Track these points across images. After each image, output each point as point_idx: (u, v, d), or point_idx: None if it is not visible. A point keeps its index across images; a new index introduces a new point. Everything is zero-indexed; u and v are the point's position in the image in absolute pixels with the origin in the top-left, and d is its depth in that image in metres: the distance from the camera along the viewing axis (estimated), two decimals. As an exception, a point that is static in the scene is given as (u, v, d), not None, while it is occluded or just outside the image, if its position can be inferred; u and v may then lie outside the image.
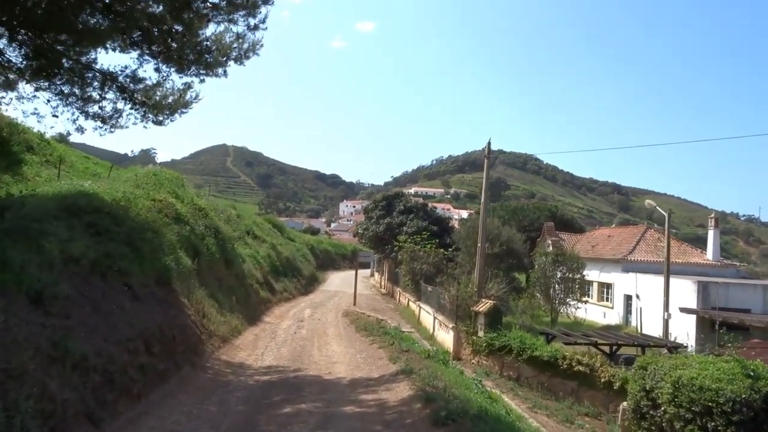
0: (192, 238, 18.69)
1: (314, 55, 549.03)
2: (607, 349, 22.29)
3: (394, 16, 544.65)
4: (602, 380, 18.60)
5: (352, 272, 43.19)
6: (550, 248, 44.19)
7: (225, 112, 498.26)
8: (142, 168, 22.51)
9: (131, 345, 8.29)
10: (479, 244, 24.61)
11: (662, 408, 10.52)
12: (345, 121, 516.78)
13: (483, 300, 23.69)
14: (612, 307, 41.03)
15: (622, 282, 39.73)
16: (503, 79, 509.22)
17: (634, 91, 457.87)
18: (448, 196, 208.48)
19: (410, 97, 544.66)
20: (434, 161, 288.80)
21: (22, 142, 20.16)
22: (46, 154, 22.60)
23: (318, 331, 20.74)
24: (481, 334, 22.97)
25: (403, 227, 45.11)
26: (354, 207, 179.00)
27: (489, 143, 24.28)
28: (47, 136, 23.47)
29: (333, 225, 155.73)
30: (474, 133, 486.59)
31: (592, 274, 41.40)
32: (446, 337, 25.62)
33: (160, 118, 16.29)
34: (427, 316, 30.63)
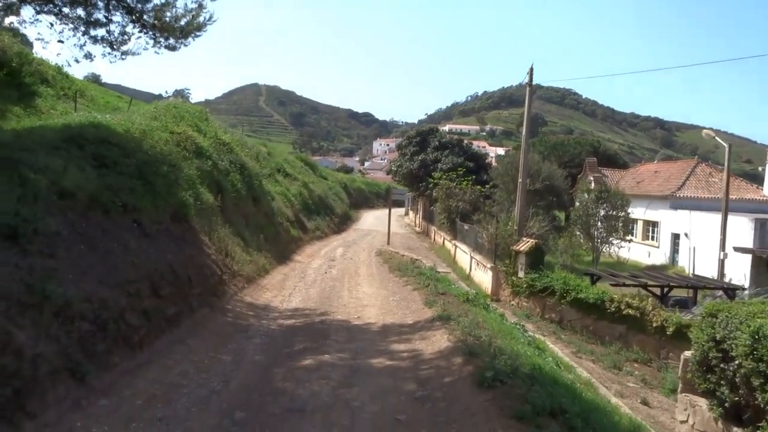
0: (214, 174, 17.64)
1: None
2: (657, 291, 20.86)
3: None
4: (654, 325, 17.28)
5: (386, 211, 42.15)
6: (592, 185, 42.18)
7: (256, 51, 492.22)
8: (162, 101, 21.31)
9: (133, 287, 7.30)
10: (520, 180, 22.99)
11: (736, 361, 9.13)
12: (378, 58, 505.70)
13: (524, 239, 22.31)
14: (658, 247, 39.10)
15: (670, 220, 37.59)
16: (540, 9, 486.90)
17: (674, 12, 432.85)
18: (484, 134, 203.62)
19: (444, 32, 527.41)
20: (469, 97, 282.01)
21: (36, 73, 19.08)
22: (64, 88, 21.58)
23: (349, 270, 19.81)
24: (521, 274, 21.72)
25: (438, 164, 43.44)
26: (388, 145, 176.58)
27: (531, 70, 22.23)
28: (65, 68, 22.31)
29: (367, 164, 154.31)
30: (510, 68, 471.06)
31: (636, 212, 39.28)
32: (484, 278, 24.49)
33: (172, 42, 14.92)
34: (463, 255, 29.48)
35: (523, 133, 22.64)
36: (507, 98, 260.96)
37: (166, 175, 12.37)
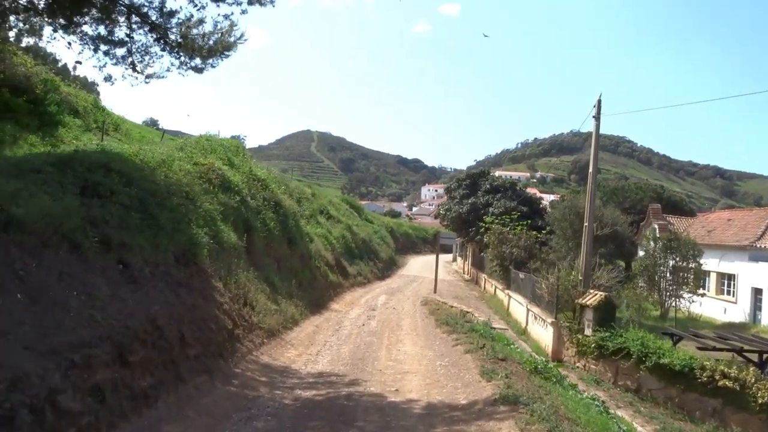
0: (242, 211, 15.85)
1: (397, 40, 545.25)
2: (755, 357, 17.64)
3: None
4: (759, 401, 14.19)
5: (433, 256, 39.76)
6: (657, 233, 38.79)
7: (309, 99, 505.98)
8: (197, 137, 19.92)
9: (81, 354, 5.24)
10: (586, 223, 20.36)
11: None
12: (427, 105, 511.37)
13: (591, 291, 19.51)
14: (735, 302, 35.00)
15: (749, 272, 33.62)
16: (590, 58, 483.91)
17: (734, 63, 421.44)
18: (534, 180, 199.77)
19: (495, 80, 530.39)
20: (519, 144, 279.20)
21: (64, 102, 18.00)
22: (97, 121, 20.52)
23: (391, 323, 17.46)
24: (588, 332, 18.84)
25: (489, 208, 40.95)
26: (436, 191, 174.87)
27: (599, 102, 19.89)
28: (100, 101, 21.37)
29: (414, 209, 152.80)
30: (561, 115, 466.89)
31: (709, 264, 35.48)
32: (543, 334, 21.64)
33: (198, 62, 13.46)
34: (518, 307, 26.68)
35: (590, 169, 20.13)
36: (558, 145, 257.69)
37: (175, 209, 10.54)
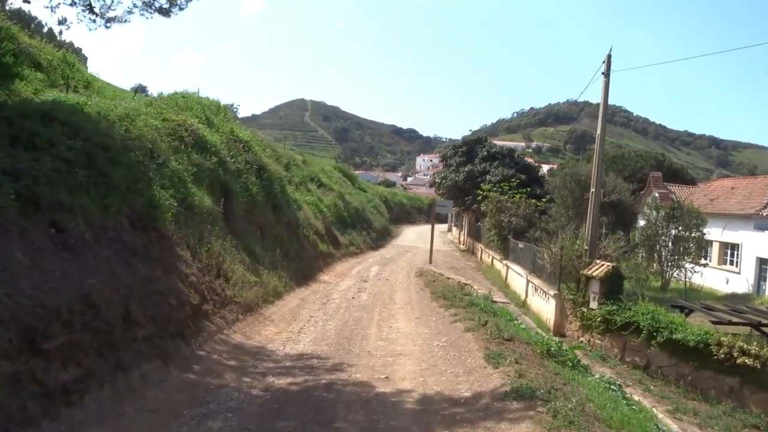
0: (220, 173, 14.39)
1: (394, 8, 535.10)
2: (772, 331, 16.55)
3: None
4: (782, 380, 13.06)
5: (428, 227, 38.47)
6: (658, 202, 37.57)
7: (303, 67, 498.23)
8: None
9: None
10: (593, 189, 18.98)
11: None
12: (423, 75, 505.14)
13: (597, 261, 18.25)
14: (739, 272, 33.91)
15: (754, 242, 32.47)
16: (587, 28, 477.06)
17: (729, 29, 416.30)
18: (530, 150, 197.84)
19: (491, 49, 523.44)
20: (515, 114, 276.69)
21: (26, 55, 16.26)
22: (66, 77, 18.79)
23: (383, 296, 16.18)
24: (594, 305, 17.63)
25: (486, 175, 39.52)
26: (431, 161, 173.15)
27: (609, 57, 18.35)
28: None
29: (409, 179, 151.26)
30: (557, 85, 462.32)
31: (712, 233, 34.31)
32: (544, 307, 20.47)
33: (163, 1, 11.80)
34: (517, 278, 25.50)
35: (598, 131, 18.67)
36: (553, 115, 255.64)
37: (132, 166, 9.07)
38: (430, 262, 27.35)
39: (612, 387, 9.30)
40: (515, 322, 12.43)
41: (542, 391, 5.60)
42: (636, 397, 12.54)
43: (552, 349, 7.88)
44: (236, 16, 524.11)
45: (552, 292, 19.51)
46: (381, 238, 41.45)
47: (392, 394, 6.46)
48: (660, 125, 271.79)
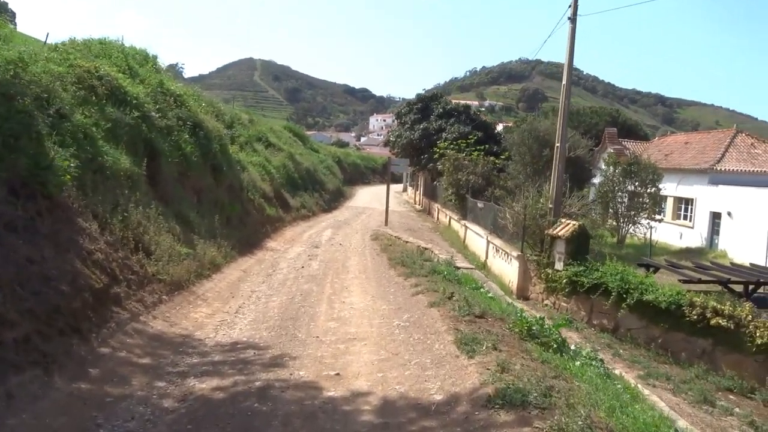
0: (144, 130, 12.46)
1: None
2: (740, 288, 15.99)
3: None
4: (758, 341, 12.39)
5: (383, 187, 37.09)
6: (607, 158, 37.20)
7: (251, 25, 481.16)
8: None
9: None
10: (557, 144, 17.84)
11: None
12: (375, 34, 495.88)
13: (562, 221, 17.26)
14: (692, 227, 34.01)
15: (708, 196, 32.43)
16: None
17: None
18: (483, 109, 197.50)
19: (442, 6, 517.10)
20: (468, 73, 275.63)
21: None
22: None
23: (336, 263, 14.75)
24: (559, 266, 16.71)
25: (442, 133, 38.21)
26: (384, 121, 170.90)
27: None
28: None
29: (363, 139, 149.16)
30: (508, 43, 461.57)
31: (667, 188, 34.15)
32: (506, 269, 19.50)
33: None
34: (476, 238, 24.47)
35: (564, 81, 17.41)
36: (506, 73, 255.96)
37: (13, 117, 7.19)
38: (386, 224, 26.06)
39: (593, 363, 8.21)
40: (482, 290, 11.24)
41: (535, 393, 4.32)
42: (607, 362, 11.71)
43: (533, 328, 6.66)
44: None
45: (515, 254, 18.52)
46: (334, 200, 39.86)
47: (344, 400, 5.07)
48: (609, 83, 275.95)
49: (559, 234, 16.75)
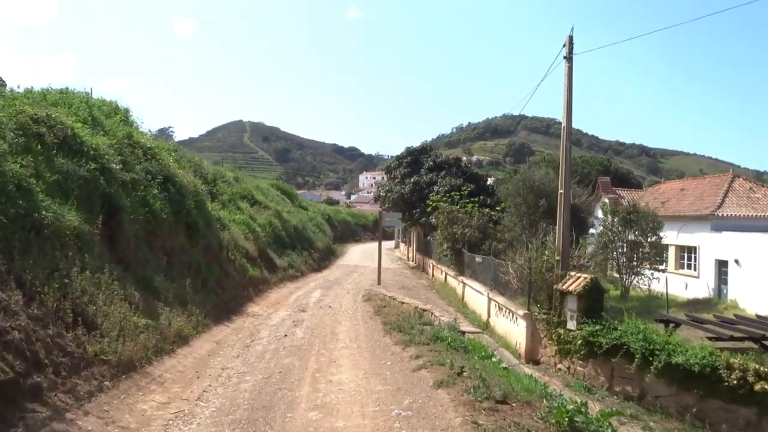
0: (101, 183, 10.95)
1: (329, 26, 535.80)
2: (772, 344, 14.44)
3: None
4: (814, 410, 10.72)
5: (374, 244, 35.60)
6: (607, 207, 36.16)
7: (240, 88, 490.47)
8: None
9: None
10: (561, 190, 16.49)
11: None
12: (362, 93, 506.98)
13: (572, 274, 15.73)
14: (697, 276, 32.57)
15: (712, 244, 31.18)
16: (522, 43, 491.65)
17: (659, 49, 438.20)
18: (471, 164, 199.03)
19: (427, 66, 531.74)
20: (454, 129, 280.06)
21: None
22: None
23: (324, 330, 13.02)
24: (572, 325, 15.05)
25: (434, 186, 37.14)
26: (374, 179, 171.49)
27: (570, 39, 16.06)
28: None
29: (353, 197, 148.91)
30: (493, 100, 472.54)
31: (667, 237, 32.89)
32: (512, 329, 17.79)
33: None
34: (476, 296, 22.83)
35: (563, 123, 16.23)
36: (492, 129, 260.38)
37: None
38: (379, 283, 24.39)
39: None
40: (494, 359, 9.56)
41: None
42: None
43: (576, 420, 5.01)
44: (169, 38, 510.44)
45: (521, 312, 16.85)
46: (324, 259, 38.21)
47: None
48: (593, 135, 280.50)
49: (570, 289, 15.18)
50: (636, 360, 13.04)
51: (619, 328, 14.04)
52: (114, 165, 11.82)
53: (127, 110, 17.29)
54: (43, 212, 8.15)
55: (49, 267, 7.76)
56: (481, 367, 7.67)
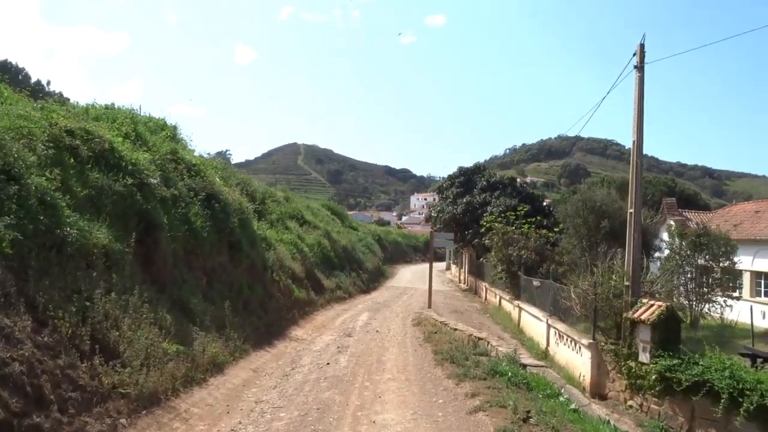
0: (138, 199, 10.42)
1: (384, 52, 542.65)
2: None
3: (464, 8, 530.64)
4: None
5: (424, 266, 34.50)
6: (673, 229, 33.86)
7: (296, 111, 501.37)
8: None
9: None
10: (631, 210, 15.07)
11: None
12: (415, 115, 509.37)
13: (643, 301, 14.23)
14: (777, 305, 29.84)
15: (792, 270, 28.56)
16: (577, 63, 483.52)
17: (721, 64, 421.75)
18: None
19: (480, 88, 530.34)
20: (507, 150, 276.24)
21: None
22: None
23: (369, 358, 12.05)
24: (644, 358, 13.52)
25: (487, 206, 35.76)
26: (426, 200, 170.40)
27: (642, 46, 14.79)
28: None
29: (404, 218, 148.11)
30: (548, 120, 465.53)
31: (741, 261, 30.34)
32: (575, 360, 16.33)
33: None
34: (534, 322, 21.40)
35: (633, 137, 14.87)
36: (546, 150, 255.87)
37: None
38: (430, 306, 23.25)
39: None
40: (561, 398, 8.34)
41: None
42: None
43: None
44: (231, 65, 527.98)
45: (585, 341, 15.40)
46: (374, 280, 37.31)
47: None
48: (652, 157, 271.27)
49: (643, 318, 13.67)
50: (723, 400, 11.43)
51: (701, 362, 12.44)
52: (153, 180, 11.30)
53: (175, 127, 17.03)
54: (67, 229, 7.56)
55: (69, 288, 7.14)
56: (550, 411, 6.52)
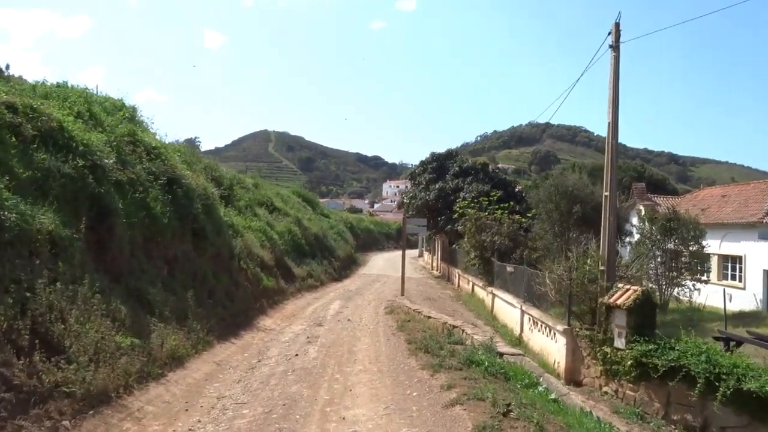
0: (90, 183, 9.68)
1: (354, 38, 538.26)
2: None
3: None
4: None
5: (397, 253, 34.11)
6: (643, 214, 34.11)
7: (265, 98, 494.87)
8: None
9: None
10: (606, 192, 14.84)
11: None
12: (385, 102, 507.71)
13: (620, 286, 14.02)
14: (743, 288, 30.26)
15: (759, 253, 28.88)
16: (547, 49, 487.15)
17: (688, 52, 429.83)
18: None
19: (452, 74, 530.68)
20: (479, 137, 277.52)
21: None
22: None
23: (340, 349, 11.56)
24: (620, 343, 13.33)
25: (460, 192, 35.49)
26: (398, 187, 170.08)
27: (617, 25, 14.49)
28: None
29: (376, 206, 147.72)
30: (518, 107, 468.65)
31: (709, 246, 30.64)
32: (549, 346, 16.13)
33: None
34: (507, 308, 21.19)
35: (609, 116, 14.57)
36: (516, 137, 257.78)
37: None
38: (403, 294, 22.86)
39: None
40: (540, 388, 7.99)
41: None
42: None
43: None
44: (198, 50, 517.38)
45: (560, 327, 15.19)
46: (346, 268, 36.82)
47: None
48: (620, 143, 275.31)
49: (618, 303, 13.46)
50: (698, 385, 11.28)
51: (677, 347, 12.28)
52: (107, 161, 10.55)
53: (134, 108, 16.16)
54: (5, 213, 6.86)
55: (7, 278, 6.46)
56: (530, 403, 6.13)
